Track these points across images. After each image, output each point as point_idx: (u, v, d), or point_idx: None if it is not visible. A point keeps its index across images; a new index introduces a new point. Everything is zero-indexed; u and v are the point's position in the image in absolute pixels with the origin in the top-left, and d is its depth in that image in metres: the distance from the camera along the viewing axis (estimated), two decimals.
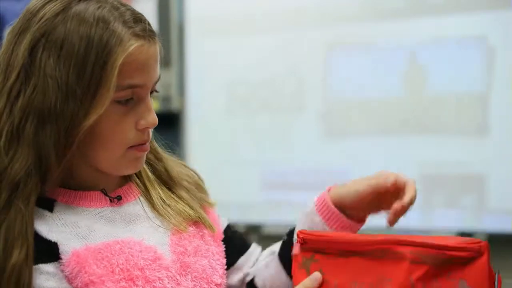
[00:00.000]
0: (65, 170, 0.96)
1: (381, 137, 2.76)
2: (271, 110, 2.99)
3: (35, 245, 0.91)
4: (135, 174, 1.06)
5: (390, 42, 2.75)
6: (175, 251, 1.01)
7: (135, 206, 1.03)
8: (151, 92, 0.99)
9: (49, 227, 0.94)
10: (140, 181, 1.06)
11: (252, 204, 3.01)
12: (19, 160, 0.91)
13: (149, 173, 1.08)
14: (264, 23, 2.99)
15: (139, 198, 1.05)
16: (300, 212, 1.09)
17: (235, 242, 1.13)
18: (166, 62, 3.07)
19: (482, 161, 2.59)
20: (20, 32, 0.94)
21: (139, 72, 0.94)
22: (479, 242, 0.90)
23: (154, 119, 0.97)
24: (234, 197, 3.00)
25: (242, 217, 3.01)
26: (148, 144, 1.00)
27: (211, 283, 1.03)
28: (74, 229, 0.96)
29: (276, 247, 1.14)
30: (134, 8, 0.98)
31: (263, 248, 1.20)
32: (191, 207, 1.07)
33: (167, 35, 3.10)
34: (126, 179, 1.06)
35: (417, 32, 2.70)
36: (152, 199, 1.05)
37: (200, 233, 1.06)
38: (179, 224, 1.04)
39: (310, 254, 0.96)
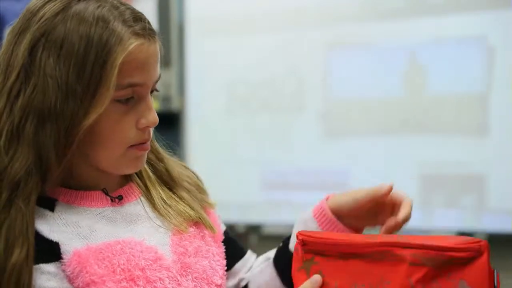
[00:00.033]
0: (66, 169, 0.96)
1: (381, 137, 2.76)
2: (271, 110, 2.99)
3: (37, 244, 0.91)
4: (136, 174, 1.06)
5: (390, 42, 2.75)
6: (175, 252, 1.01)
7: (136, 206, 1.03)
8: (152, 91, 0.99)
9: (50, 226, 0.94)
10: (141, 181, 1.06)
11: (252, 204, 3.01)
12: (19, 159, 0.91)
13: (150, 173, 1.07)
14: (264, 23, 2.99)
15: (140, 198, 1.04)
16: (297, 219, 1.10)
17: (233, 247, 1.13)
18: (166, 62, 3.07)
19: (482, 161, 2.59)
20: (20, 32, 0.94)
21: (139, 71, 0.94)
22: (479, 242, 0.90)
23: (154, 118, 0.97)
24: (234, 197, 3.01)
25: (242, 217, 3.01)
26: (148, 143, 1.00)
27: (211, 284, 1.03)
28: (75, 229, 0.96)
29: (271, 253, 1.14)
30: (134, 8, 0.98)
31: (263, 248, 1.20)
32: (191, 208, 1.07)
33: (167, 35, 3.10)
34: (127, 179, 1.06)
35: (417, 32, 2.70)
36: (153, 199, 1.05)
37: (201, 234, 1.06)
38: (179, 224, 1.04)
39: (311, 256, 0.96)
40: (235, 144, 3.05)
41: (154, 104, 0.99)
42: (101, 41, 0.91)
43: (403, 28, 2.73)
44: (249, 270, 1.17)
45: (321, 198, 1.11)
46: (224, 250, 1.11)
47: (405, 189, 2.89)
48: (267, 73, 2.99)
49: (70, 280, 0.92)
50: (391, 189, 1.03)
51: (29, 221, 0.91)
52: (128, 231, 0.99)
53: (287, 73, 2.95)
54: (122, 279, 0.93)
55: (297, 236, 0.97)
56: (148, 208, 1.04)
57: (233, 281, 1.14)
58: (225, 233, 1.15)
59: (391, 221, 1.01)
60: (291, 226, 1.12)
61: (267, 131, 2.98)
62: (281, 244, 1.12)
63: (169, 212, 1.05)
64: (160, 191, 1.07)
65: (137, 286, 0.94)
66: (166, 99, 3.13)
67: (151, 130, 1.00)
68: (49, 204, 0.96)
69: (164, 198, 1.06)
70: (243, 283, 1.16)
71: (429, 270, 0.88)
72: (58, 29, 0.91)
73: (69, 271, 0.93)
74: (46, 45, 0.91)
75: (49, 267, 0.92)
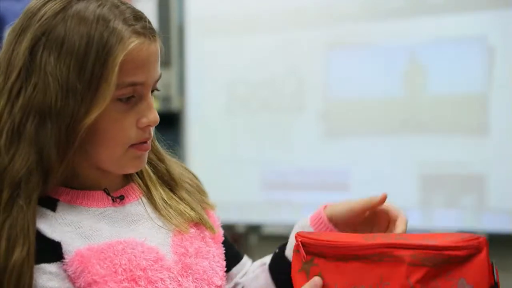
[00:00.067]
0: (67, 169, 0.96)
1: (381, 137, 2.77)
2: (271, 110, 2.99)
3: (39, 244, 0.91)
4: (137, 174, 1.06)
5: (390, 42, 2.75)
6: (176, 252, 1.01)
7: (137, 206, 1.03)
8: (152, 91, 0.99)
9: (52, 226, 0.94)
10: (142, 181, 1.06)
11: (252, 204, 3.01)
12: (20, 158, 0.91)
13: (151, 174, 1.07)
14: (264, 23, 2.99)
15: (141, 199, 1.05)
16: (295, 226, 1.10)
17: (230, 251, 1.13)
18: (166, 62, 3.07)
19: (482, 161, 2.60)
20: (21, 32, 0.94)
21: (140, 70, 0.94)
22: (477, 238, 0.90)
23: (155, 117, 0.97)
24: (234, 197, 3.01)
25: (242, 217, 3.02)
26: (149, 142, 1.00)
27: (212, 285, 1.03)
28: (77, 229, 0.96)
29: (267, 259, 1.14)
30: (134, 7, 0.98)
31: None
32: (192, 209, 1.07)
33: (167, 35, 3.10)
34: (128, 179, 1.06)
35: (417, 32, 2.71)
36: (154, 200, 1.05)
37: (201, 235, 1.06)
38: (180, 225, 1.04)
39: (310, 257, 0.96)
40: (235, 144, 3.05)
41: (154, 104, 0.99)
42: (101, 40, 0.91)
43: (403, 28, 2.73)
44: (244, 274, 1.17)
45: (321, 201, 1.12)
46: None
47: (405, 189, 2.90)
48: (267, 73, 2.99)
49: (72, 280, 0.93)
50: (384, 198, 1.05)
51: (30, 220, 0.91)
52: (130, 231, 1.00)
53: (287, 73, 2.95)
54: (123, 279, 0.93)
55: (296, 238, 0.97)
56: (149, 209, 1.04)
57: (229, 285, 1.14)
58: (223, 236, 1.15)
59: None
60: (291, 226, 1.13)
61: (267, 131, 2.99)
62: (277, 250, 1.12)
63: (170, 212, 1.05)
64: (161, 191, 1.07)
65: (139, 286, 0.94)
66: (166, 99, 3.13)
67: (152, 129, 1.00)
68: (51, 204, 0.96)
69: (165, 198, 1.06)
70: None
71: (428, 270, 0.88)
72: (58, 28, 0.91)
73: (71, 271, 0.93)
74: (47, 44, 0.91)
75: (51, 267, 0.92)
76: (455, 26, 2.65)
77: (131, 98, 0.95)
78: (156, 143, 1.09)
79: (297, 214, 2.88)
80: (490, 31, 2.58)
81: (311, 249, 0.95)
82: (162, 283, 0.96)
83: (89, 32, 0.91)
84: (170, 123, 3.14)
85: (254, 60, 3.00)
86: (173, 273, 0.98)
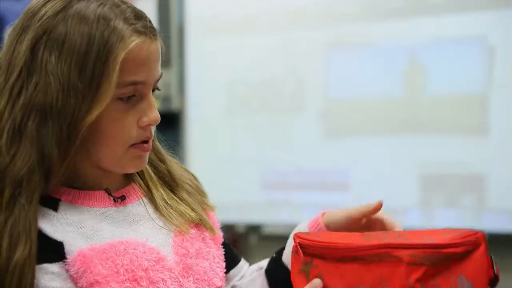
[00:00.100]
0: (68, 168, 0.96)
1: (381, 137, 2.77)
2: (271, 110, 2.99)
3: (41, 244, 0.91)
4: (138, 174, 1.06)
5: (390, 42, 2.75)
6: (177, 253, 1.01)
7: (138, 206, 1.03)
8: (153, 90, 0.99)
9: (54, 226, 0.94)
10: (143, 181, 1.06)
11: (252, 204, 3.01)
12: (22, 157, 0.91)
13: (152, 174, 1.08)
14: (264, 23, 2.99)
15: (142, 199, 1.05)
16: (292, 232, 1.10)
17: (228, 253, 1.13)
18: (166, 62, 3.07)
19: (482, 161, 2.60)
20: (21, 31, 0.94)
21: (141, 69, 0.94)
22: (475, 234, 0.90)
23: (156, 116, 0.97)
24: (234, 197, 3.01)
25: (242, 217, 3.01)
26: (150, 142, 1.00)
27: (212, 286, 1.03)
28: (79, 229, 0.96)
29: (264, 263, 1.14)
30: (135, 6, 0.98)
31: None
32: (193, 209, 1.07)
33: (167, 35, 3.10)
34: (129, 179, 1.06)
35: (417, 32, 2.70)
36: (155, 200, 1.05)
37: (202, 236, 1.06)
38: (181, 225, 1.04)
39: (309, 259, 0.96)
40: (235, 144, 3.05)
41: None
42: (102, 39, 0.91)
43: (403, 28, 2.73)
44: (241, 278, 1.17)
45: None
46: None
47: (405, 189, 2.90)
48: (267, 73, 2.99)
49: (74, 280, 0.93)
50: (380, 205, 1.05)
51: (32, 219, 0.91)
52: (131, 231, 1.00)
53: (287, 73, 2.95)
54: (125, 280, 0.93)
55: (294, 239, 0.97)
56: (150, 209, 1.04)
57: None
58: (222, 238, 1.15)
59: None
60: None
61: (267, 131, 2.99)
62: (274, 255, 1.12)
63: (170, 213, 1.05)
64: (162, 192, 1.07)
65: (140, 286, 0.94)
66: (166, 99, 3.13)
67: (153, 128, 1.00)
68: (52, 203, 0.96)
69: (166, 199, 1.06)
70: None
71: (427, 269, 0.88)
72: (59, 27, 0.92)
73: (73, 271, 0.93)
74: (48, 43, 0.91)
75: (53, 267, 0.92)
76: (455, 26, 2.64)
77: (132, 97, 0.96)
78: (157, 143, 1.09)
79: (297, 214, 2.89)
80: (490, 31, 2.58)
81: (310, 250, 0.95)
82: (163, 284, 0.96)
83: (90, 31, 0.91)
84: (170, 123, 3.14)
85: (254, 60, 3.00)
86: (174, 273, 0.98)
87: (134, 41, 0.93)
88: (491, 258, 0.90)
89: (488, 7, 2.60)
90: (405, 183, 2.71)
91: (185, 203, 1.08)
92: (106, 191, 1.01)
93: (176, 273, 0.99)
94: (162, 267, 0.97)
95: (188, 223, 1.05)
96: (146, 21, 0.96)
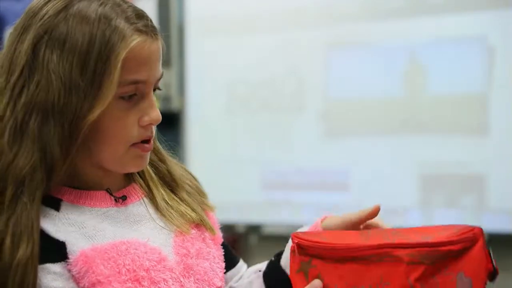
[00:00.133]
0: (70, 167, 0.96)
1: (381, 137, 2.77)
2: (271, 110, 2.99)
3: (43, 244, 0.91)
4: (139, 174, 1.06)
5: (390, 42, 2.75)
6: (178, 253, 1.01)
7: (139, 206, 1.03)
8: (154, 90, 0.99)
9: (56, 226, 0.95)
10: (144, 182, 1.06)
11: (252, 204, 3.01)
12: (24, 156, 0.91)
13: (153, 174, 1.08)
14: (264, 23, 2.99)
15: (143, 199, 1.05)
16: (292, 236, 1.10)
17: (227, 254, 1.13)
18: (166, 62, 3.07)
19: (482, 161, 2.60)
20: (23, 31, 0.94)
21: (142, 67, 0.94)
22: (472, 230, 0.90)
23: (157, 115, 0.98)
24: (234, 197, 3.01)
25: (242, 217, 3.01)
26: (151, 142, 1.00)
27: (212, 286, 1.03)
28: (80, 229, 0.96)
29: (262, 265, 1.14)
30: (136, 6, 0.98)
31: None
32: (193, 210, 1.07)
33: (167, 35, 3.10)
34: (130, 179, 1.06)
35: (417, 32, 2.71)
36: (156, 200, 1.05)
37: (202, 236, 1.06)
38: (182, 226, 1.04)
39: (308, 258, 0.96)
40: (235, 144, 3.05)
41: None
42: (104, 38, 0.91)
43: (403, 28, 2.73)
44: (239, 279, 1.17)
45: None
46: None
47: (405, 189, 2.90)
48: (267, 73, 2.99)
49: (76, 280, 0.93)
50: (377, 208, 1.03)
51: (35, 218, 0.91)
52: (132, 231, 1.00)
53: (287, 73, 2.95)
54: (127, 280, 0.93)
55: (292, 239, 0.97)
56: (151, 209, 1.04)
57: None
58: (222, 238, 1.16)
59: None
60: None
61: (267, 131, 2.99)
62: (273, 258, 1.12)
63: (171, 213, 1.05)
64: (163, 192, 1.07)
65: (142, 286, 0.94)
66: (166, 99, 3.13)
67: (154, 128, 1.00)
68: (54, 203, 0.96)
69: (166, 199, 1.06)
70: None
71: (426, 267, 0.88)
72: (60, 26, 0.92)
73: (75, 271, 0.93)
74: (49, 42, 0.92)
75: (55, 267, 0.92)
76: (455, 26, 2.65)
77: (133, 96, 0.96)
78: (158, 143, 1.09)
79: (297, 214, 2.89)
80: (490, 31, 2.58)
81: (310, 251, 0.95)
82: (164, 284, 0.96)
83: (91, 30, 0.91)
84: (170, 123, 3.14)
85: (254, 60, 3.00)
86: (175, 273, 0.98)
87: (136, 40, 0.93)
88: (489, 252, 0.91)
89: (488, 7, 2.60)
90: (405, 183, 2.71)
91: (185, 204, 1.08)
92: (107, 191, 1.01)
93: (177, 273, 0.99)
94: (164, 267, 0.97)
95: (189, 223, 1.05)
96: (147, 20, 0.96)
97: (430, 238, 0.90)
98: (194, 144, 3.13)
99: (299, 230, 1.10)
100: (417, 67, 2.70)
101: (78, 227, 0.96)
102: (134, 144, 0.97)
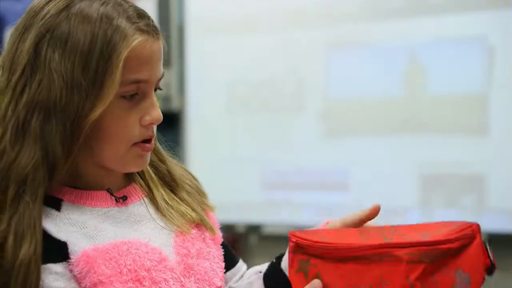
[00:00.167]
0: (71, 167, 0.96)
1: (381, 137, 2.77)
2: (271, 110, 2.99)
3: (45, 244, 0.91)
4: (139, 175, 1.06)
5: (390, 42, 2.75)
6: (179, 253, 1.01)
7: (140, 206, 1.03)
8: (155, 90, 0.99)
9: (58, 226, 0.95)
10: (144, 182, 1.06)
11: (252, 204, 3.01)
12: (26, 155, 0.91)
13: (153, 175, 1.08)
14: (264, 23, 2.99)
15: (143, 199, 1.05)
16: None
17: (227, 254, 1.13)
18: (166, 62, 3.07)
19: (482, 161, 2.60)
20: (24, 30, 0.94)
21: (144, 67, 0.95)
22: (470, 226, 0.90)
23: (158, 114, 0.98)
24: (234, 197, 3.01)
25: (242, 217, 3.02)
26: (152, 142, 1.00)
27: (213, 286, 1.03)
28: (82, 229, 0.96)
29: (263, 267, 1.14)
30: (137, 5, 0.98)
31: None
32: (193, 210, 1.07)
33: (167, 35, 3.10)
34: (130, 179, 1.06)
35: (417, 32, 2.71)
36: (156, 200, 1.05)
37: (202, 236, 1.07)
38: (182, 226, 1.04)
39: (306, 257, 0.96)
40: (235, 144, 3.05)
41: None
42: (105, 38, 0.91)
43: (403, 28, 2.74)
44: (239, 279, 1.17)
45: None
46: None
47: (405, 189, 2.90)
48: (267, 73, 2.99)
49: (77, 280, 0.93)
50: (377, 208, 1.02)
51: (37, 216, 0.91)
52: (133, 231, 1.00)
53: (287, 73, 2.96)
54: (128, 280, 0.93)
55: (290, 238, 0.97)
56: (151, 209, 1.04)
57: None
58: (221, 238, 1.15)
59: None
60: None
61: (267, 131, 2.99)
62: (274, 260, 1.12)
63: (171, 213, 1.05)
64: (163, 192, 1.07)
65: (143, 286, 0.94)
66: (166, 99, 3.14)
67: (155, 127, 1.01)
68: (55, 203, 0.96)
69: (167, 199, 1.06)
70: None
71: (426, 266, 0.88)
72: (62, 25, 0.92)
73: (77, 271, 0.93)
74: (51, 41, 0.92)
75: (57, 267, 0.92)
76: (455, 26, 2.65)
77: (135, 96, 0.96)
78: (158, 144, 1.10)
79: (297, 214, 2.89)
80: (490, 31, 2.58)
81: (308, 250, 0.95)
82: (165, 284, 0.96)
83: (93, 30, 0.91)
84: (170, 123, 3.14)
85: (254, 60, 3.01)
86: (176, 273, 0.98)
87: (137, 39, 0.93)
88: (485, 246, 0.91)
89: (488, 7, 2.60)
90: (405, 183, 2.72)
91: (185, 203, 1.08)
92: (108, 191, 1.01)
93: (178, 273, 0.99)
94: (164, 267, 0.97)
95: (189, 223, 1.05)
96: (148, 20, 0.96)
97: (429, 236, 0.90)
98: (194, 144, 3.13)
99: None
100: (417, 67, 2.70)
101: (79, 227, 0.96)
102: (135, 144, 0.98)
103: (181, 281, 0.99)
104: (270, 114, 2.99)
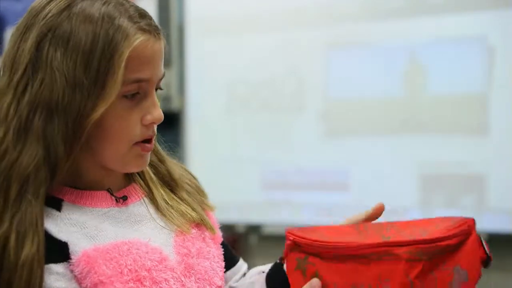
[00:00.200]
0: (73, 166, 0.96)
1: (381, 137, 2.77)
2: (271, 110, 2.99)
3: (46, 244, 0.91)
4: (138, 175, 1.06)
5: (390, 42, 2.75)
6: (179, 253, 1.01)
7: (140, 206, 1.04)
8: (156, 89, 0.99)
9: (58, 226, 0.95)
10: (144, 182, 1.07)
11: (252, 204, 3.01)
12: (28, 154, 0.91)
13: (152, 175, 1.08)
14: (264, 23, 2.99)
15: (143, 199, 1.05)
16: None
17: (227, 253, 1.13)
18: (166, 62, 3.07)
19: (482, 161, 2.60)
20: (25, 30, 0.94)
21: (145, 66, 0.95)
22: (467, 222, 0.91)
23: (159, 114, 0.98)
24: (234, 197, 3.01)
25: (242, 217, 3.02)
26: (152, 142, 1.00)
27: (213, 285, 1.03)
28: (82, 229, 0.96)
29: (266, 267, 1.14)
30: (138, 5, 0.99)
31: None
32: (193, 209, 1.08)
33: (167, 35, 3.09)
34: (130, 180, 1.06)
35: (417, 32, 2.71)
36: (156, 200, 1.05)
37: (202, 236, 1.07)
38: (182, 225, 1.04)
39: (304, 255, 0.95)
40: (235, 144, 3.05)
41: None
42: (107, 37, 0.92)
43: (403, 28, 2.74)
44: (240, 278, 1.17)
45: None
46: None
47: (405, 189, 2.90)
48: (267, 73, 2.99)
49: (78, 280, 0.93)
50: (380, 207, 1.02)
51: (39, 215, 0.91)
52: (133, 231, 1.00)
53: (287, 73, 2.96)
54: (129, 280, 0.93)
55: (287, 236, 0.97)
56: (151, 209, 1.04)
57: None
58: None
59: None
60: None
61: (267, 131, 2.99)
62: (277, 261, 1.12)
63: (171, 213, 1.05)
64: (162, 192, 1.07)
65: (144, 286, 0.94)
66: (166, 99, 3.14)
67: (155, 127, 1.01)
68: (55, 203, 0.97)
69: (166, 199, 1.07)
70: None
71: (425, 263, 0.88)
72: (64, 25, 0.92)
73: (77, 271, 0.93)
74: (53, 40, 0.92)
75: (58, 268, 0.92)
76: (455, 26, 2.65)
77: (136, 95, 0.96)
78: (157, 144, 1.10)
79: (297, 214, 2.89)
80: (490, 31, 2.58)
81: (306, 249, 0.95)
82: (166, 284, 0.96)
83: (94, 29, 0.92)
84: (170, 123, 3.14)
85: (254, 60, 3.01)
86: (176, 273, 0.98)
87: (139, 39, 0.93)
88: (480, 240, 0.91)
89: (488, 7, 2.60)
90: (405, 183, 2.72)
91: (185, 203, 1.08)
92: (108, 191, 1.01)
93: (178, 273, 0.99)
94: (165, 267, 0.97)
95: (189, 223, 1.05)
96: (150, 19, 0.97)
97: (427, 234, 0.90)
98: (194, 144, 3.13)
99: None
100: (417, 67, 2.70)
101: (80, 227, 0.96)
102: (136, 143, 0.98)
103: (182, 280, 0.99)
104: (270, 114, 2.99)
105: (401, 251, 0.89)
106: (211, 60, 3.09)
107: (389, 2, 2.76)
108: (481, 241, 0.92)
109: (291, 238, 0.96)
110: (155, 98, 0.98)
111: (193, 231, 1.05)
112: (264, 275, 1.12)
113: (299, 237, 0.96)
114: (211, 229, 1.08)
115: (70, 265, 0.93)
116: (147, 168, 1.06)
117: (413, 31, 2.72)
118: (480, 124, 2.60)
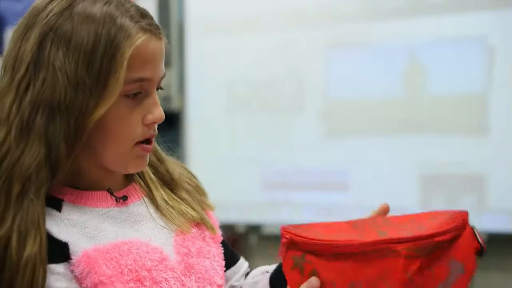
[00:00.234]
0: (73, 166, 0.96)
1: (381, 137, 2.77)
2: (271, 110, 2.99)
3: (47, 244, 0.91)
4: (138, 175, 1.07)
5: (390, 42, 2.75)
6: (179, 252, 1.01)
7: (140, 206, 1.04)
8: (157, 89, 1.00)
9: (59, 227, 0.95)
10: (144, 182, 1.07)
11: (252, 204, 3.01)
12: (30, 153, 0.91)
13: (152, 175, 1.08)
14: (264, 23, 2.99)
15: (143, 199, 1.05)
16: None
17: (227, 252, 1.13)
18: (166, 62, 3.07)
19: (482, 161, 2.60)
20: (27, 29, 0.94)
21: (147, 65, 0.95)
22: (462, 216, 0.91)
23: (161, 113, 0.98)
24: (234, 197, 3.01)
25: (242, 217, 3.02)
26: (152, 143, 1.00)
27: (213, 284, 1.03)
28: (82, 229, 0.96)
29: (270, 267, 1.14)
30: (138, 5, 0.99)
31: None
32: (193, 209, 1.08)
33: (167, 35, 3.09)
34: (130, 180, 1.06)
35: (417, 32, 2.71)
36: (156, 200, 1.05)
37: (202, 235, 1.07)
38: (182, 225, 1.04)
39: (301, 254, 0.95)
40: (235, 144, 3.05)
41: None
42: (109, 37, 0.92)
43: (403, 28, 2.74)
44: (241, 277, 1.17)
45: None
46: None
47: (405, 189, 2.90)
48: (267, 73, 2.99)
49: (78, 280, 0.93)
50: (385, 207, 1.01)
51: (41, 214, 0.91)
52: (133, 231, 1.00)
53: (287, 73, 2.96)
54: (129, 280, 0.93)
55: (283, 234, 0.96)
56: (151, 209, 1.04)
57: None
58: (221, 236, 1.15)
59: None
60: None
61: (267, 131, 2.99)
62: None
63: (171, 213, 1.05)
64: (162, 192, 1.07)
65: (144, 286, 0.94)
66: (166, 99, 3.13)
67: (156, 126, 1.01)
68: (56, 204, 0.97)
69: (166, 199, 1.07)
70: None
71: (422, 259, 0.89)
72: (66, 24, 0.92)
73: (78, 271, 0.93)
74: (55, 39, 0.92)
75: (59, 268, 0.92)
76: (455, 26, 2.65)
77: (138, 95, 0.96)
78: (156, 144, 1.10)
79: (297, 214, 2.89)
80: (490, 31, 2.58)
81: (304, 247, 0.95)
82: (166, 283, 0.96)
83: (96, 29, 0.92)
84: (170, 123, 3.14)
85: (254, 60, 3.01)
86: (176, 273, 0.98)
87: (141, 38, 0.94)
88: (473, 231, 0.92)
89: (488, 7, 2.60)
90: (405, 183, 2.72)
91: (185, 203, 1.08)
92: (108, 191, 1.01)
93: (179, 272, 0.99)
94: (165, 267, 0.97)
95: (189, 222, 1.06)
96: (151, 19, 0.97)
97: (424, 229, 0.90)
98: (194, 144, 3.13)
99: None
100: (417, 67, 2.70)
101: (80, 227, 0.96)
102: (136, 144, 0.98)
103: (182, 280, 0.99)
104: (270, 114, 2.99)
105: (400, 247, 0.89)
106: (211, 60, 3.09)
107: (389, 2, 2.76)
108: (474, 232, 0.92)
109: (287, 236, 0.96)
110: (157, 97, 0.99)
111: (193, 230, 1.05)
112: (268, 275, 1.12)
113: (295, 235, 0.95)
114: (211, 228, 1.08)
115: (70, 265, 0.93)
116: (147, 168, 1.07)
117: (413, 31, 2.72)
118: (480, 124, 2.60)
